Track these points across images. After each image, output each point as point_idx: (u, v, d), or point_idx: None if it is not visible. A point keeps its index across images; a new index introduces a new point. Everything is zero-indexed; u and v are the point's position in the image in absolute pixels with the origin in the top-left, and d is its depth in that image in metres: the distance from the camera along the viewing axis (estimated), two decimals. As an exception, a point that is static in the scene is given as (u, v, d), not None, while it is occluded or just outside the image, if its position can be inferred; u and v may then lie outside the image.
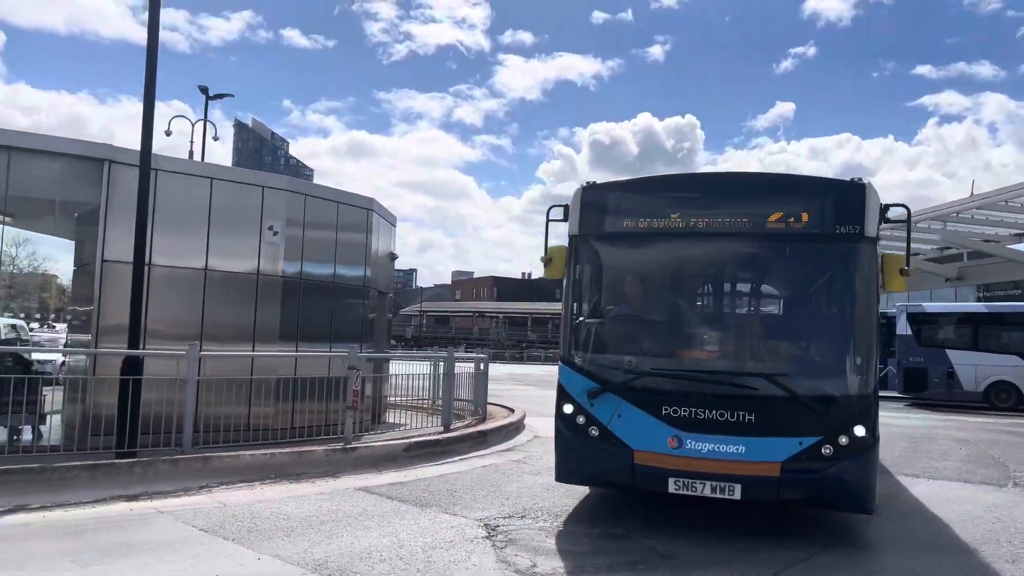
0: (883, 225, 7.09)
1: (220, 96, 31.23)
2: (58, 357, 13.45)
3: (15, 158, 9.80)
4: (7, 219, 11.42)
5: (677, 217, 7.18)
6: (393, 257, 15.43)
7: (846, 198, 6.88)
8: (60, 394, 10.60)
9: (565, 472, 7.38)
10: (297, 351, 11.68)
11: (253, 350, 11.10)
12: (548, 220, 7.69)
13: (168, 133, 29.49)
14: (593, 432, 7.03)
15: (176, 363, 9.40)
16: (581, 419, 7.08)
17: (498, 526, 7.08)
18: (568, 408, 7.19)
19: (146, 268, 9.50)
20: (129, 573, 5.58)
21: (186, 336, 10.05)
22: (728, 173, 7.96)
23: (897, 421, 17.98)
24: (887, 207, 7.04)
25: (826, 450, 6.43)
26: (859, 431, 6.47)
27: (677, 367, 7.16)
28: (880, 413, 6.77)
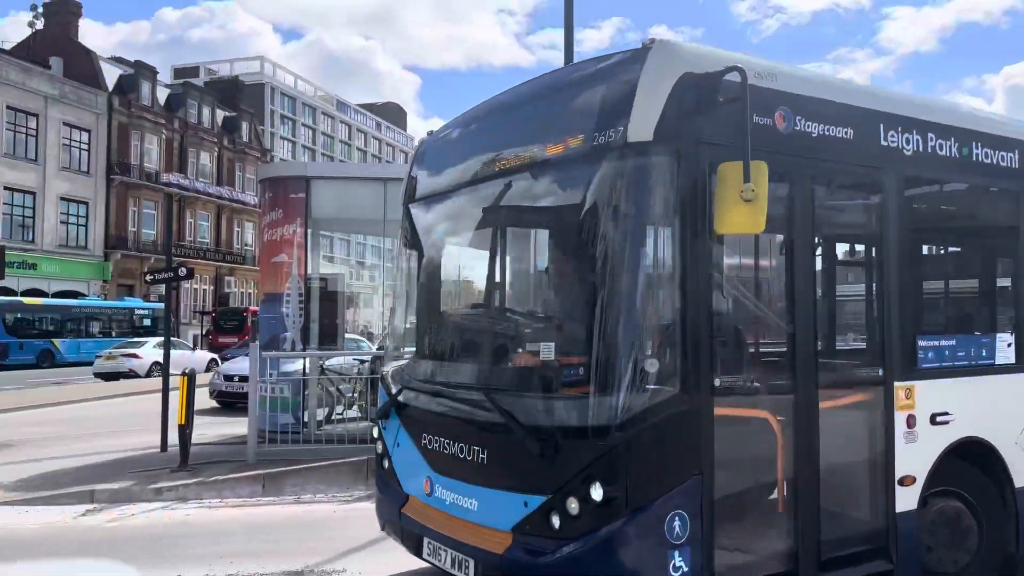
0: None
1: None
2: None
3: (389, 187, 10.95)
4: (387, 240, 13.30)
5: (453, 168, 5.14)
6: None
7: (613, 86, 4.05)
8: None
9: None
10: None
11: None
12: None
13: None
14: (385, 464, 5.24)
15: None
16: (380, 446, 5.35)
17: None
18: (375, 431, 5.48)
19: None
20: None
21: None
22: (506, 92, 5.18)
23: None
24: (718, 77, 3.84)
25: (555, 519, 3.82)
26: (596, 492, 3.67)
27: (431, 375, 5.09)
28: None
